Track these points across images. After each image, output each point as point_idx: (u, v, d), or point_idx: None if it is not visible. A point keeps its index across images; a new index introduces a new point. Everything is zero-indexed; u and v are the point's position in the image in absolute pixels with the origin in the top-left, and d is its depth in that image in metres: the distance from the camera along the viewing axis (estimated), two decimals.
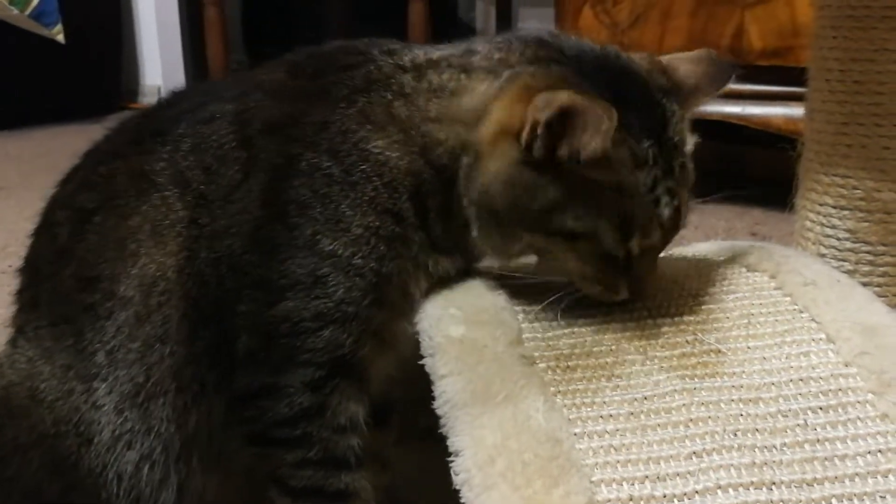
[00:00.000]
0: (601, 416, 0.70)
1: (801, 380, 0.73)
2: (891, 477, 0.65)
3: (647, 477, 0.65)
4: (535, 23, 3.27)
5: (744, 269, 0.90)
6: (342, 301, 0.78)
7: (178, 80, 3.91)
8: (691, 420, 0.69)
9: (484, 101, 0.80)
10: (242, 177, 0.82)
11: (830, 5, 1.06)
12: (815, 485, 0.65)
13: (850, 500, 0.64)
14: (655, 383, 0.73)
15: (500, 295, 0.83)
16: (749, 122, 2.09)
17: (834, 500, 0.64)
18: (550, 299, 0.81)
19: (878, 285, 1.04)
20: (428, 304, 0.82)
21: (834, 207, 1.07)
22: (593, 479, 0.64)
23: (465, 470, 0.65)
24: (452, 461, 0.66)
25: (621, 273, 0.79)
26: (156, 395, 0.82)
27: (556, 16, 2.47)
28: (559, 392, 0.72)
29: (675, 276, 0.88)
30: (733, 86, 0.89)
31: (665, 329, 0.79)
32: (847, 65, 1.05)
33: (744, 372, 0.74)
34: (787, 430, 0.68)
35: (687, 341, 0.78)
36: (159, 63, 4.08)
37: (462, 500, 0.64)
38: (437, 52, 0.86)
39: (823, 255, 1.08)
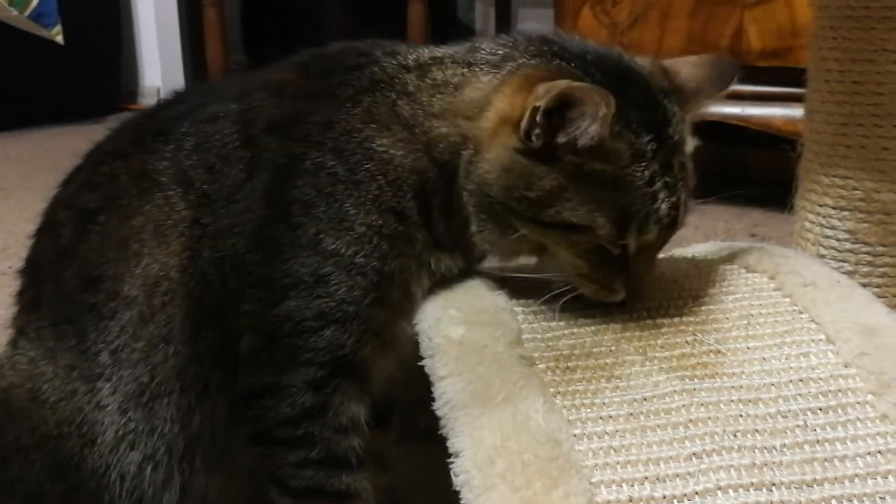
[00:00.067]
0: (601, 417, 0.70)
1: (801, 380, 0.73)
2: (890, 478, 0.65)
3: (646, 478, 0.65)
4: (534, 23, 3.27)
5: (743, 270, 0.90)
6: (343, 300, 0.78)
7: (178, 81, 3.91)
8: (691, 421, 0.69)
9: (486, 93, 0.81)
10: (246, 176, 0.83)
11: (829, 6, 1.06)
12: (814, 486, 0.65)
13: (850, 500, 0.64)
14: (655, 384, 0.73)
15: (499, 295, 0.83)
16: (748, 122, 2.09)
17: (834, 501, 0.64)
18: (547, 296, 0.81)
19: (878, 286, 1.05)
20: (427, 305, 0.82)
21: (833, 208, 1.07)
22: (593, 480, 0.64)
23: (465, 471, 0.65)
24: (452, 462, 0.66)
25: (618, 271, 0.80)
26: (160, 394, 0.83)
27: (555, 16, 2.47)
28: (559, 393, 0.72)
29: (675, 276, 0.88)
30: (733, 87, 0.89)
31: (665, 330, 0.79)
32: (846, 65, 1.05)
33: (743, 373, 0.74)
34: (787, 431, 0.68)
35: (687, 342, 0.78)
36: (158, 64, 4.08)
37: (462, 501, 0.64)
38: (441, 50, 0.87)
39: (823, 256, 1.08)
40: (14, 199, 2.49)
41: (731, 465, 0.65)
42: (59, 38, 3.55)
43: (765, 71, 2.02)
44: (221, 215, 0.82)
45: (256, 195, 0.82)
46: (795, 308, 0.82)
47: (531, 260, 0.85)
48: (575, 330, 0.79)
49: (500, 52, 0.83)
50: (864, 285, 0.92)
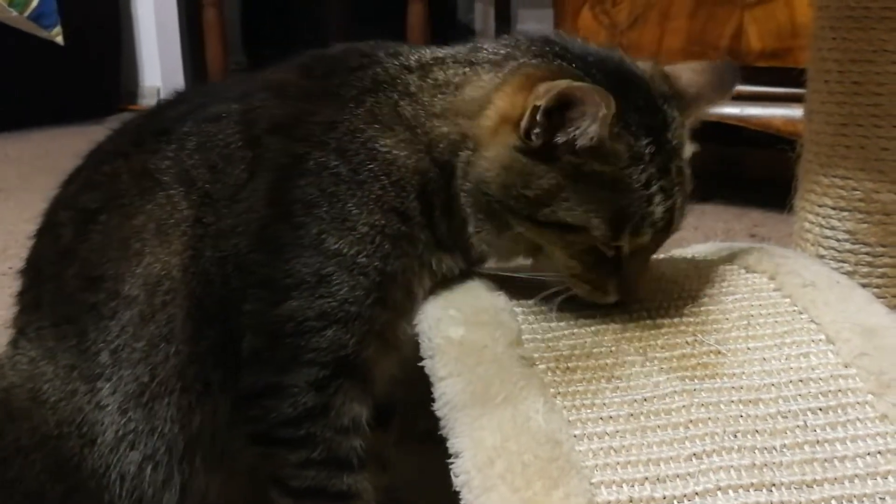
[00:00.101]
0: (601, 418, 0.70)
1: (801, 381, 0.73)
2: (890, 478, 0.65)
3: (647, 478, 0.65)
4: (534, 24, 3.27)
5: (743, 271, 0.90)
6: (346, 300, 0.79)
7: (178, 81, 3.92)
8: (691, 421, 0.69)
9: (487, 92, 0.81)
10: (248, 176, 0.83)
11: (829, 6, 1.06)
12: (814, 486, 0.65)
13: (850, 501, 0.64)
14: (655, 384, 0.73)
15: (499, 296, 0.83)
16: (748, 123, 2.09)
17: (833, 502, 0.64)
18: (542, 295, 0.82)
19: (877, 286, 1.04)
20: (427, 306, 0.82)
21: (833, 209, 1.07)
22: (593, 480, 0.64)
23: (465, 471, 0.65)
24: (452, 463, 0.66)
25: (611, 273, 0.80)
26: (160, 394, 0.83)
27: (555, 17, 2.47)
28: (559, 393, 0.72)
29: (675, 276, 0.88)
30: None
31: (665, 330, 0.80)
32: (846, 66, 1.05)
33: (743, 373, 0.74)
34: (787, 432, 0.69)
35: (687, 342, 0.78)
36: (158, 65, 4.08)
37: (462, 502, 0.64)
38: (443, 51, 0.87)
39: (822, 257, 1.08)
40: (14, 200, 2.49)
41: (732, 466, 0.65)
42: (59, 39, 3.56)
43: (764, 71, 2.02)
44: (224, 215, 0.82)
45: (259, 195, 0.82)
46: (795, 308, 0.82)
47: (528, 261, 0.85)
48: (575, 330, 0.80)
49: (502, 51, 0.84)
50: (863, 286, 0.92)
